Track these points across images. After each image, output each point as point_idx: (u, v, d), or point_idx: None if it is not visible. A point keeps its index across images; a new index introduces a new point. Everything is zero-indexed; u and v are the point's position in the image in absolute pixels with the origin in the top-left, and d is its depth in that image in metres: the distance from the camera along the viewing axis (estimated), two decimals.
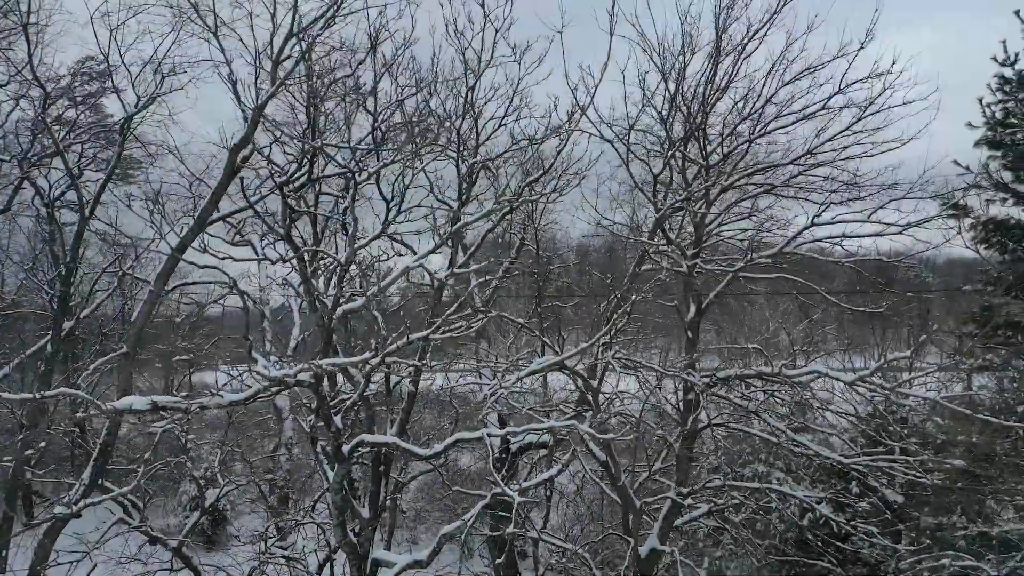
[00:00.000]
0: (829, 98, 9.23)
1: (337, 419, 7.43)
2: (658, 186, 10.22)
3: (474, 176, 12.36)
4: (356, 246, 8.35)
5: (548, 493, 14.76)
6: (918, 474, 9.07)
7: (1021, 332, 12.75)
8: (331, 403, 7.49)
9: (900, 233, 9.56)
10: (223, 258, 11.86)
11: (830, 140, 9.64)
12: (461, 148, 11.94)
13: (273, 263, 9.52)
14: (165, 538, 11.60)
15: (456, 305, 8.35)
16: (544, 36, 11.58)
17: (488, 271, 16.18)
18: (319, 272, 11.25)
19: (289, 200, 9.42)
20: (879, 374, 8.07)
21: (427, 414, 18.22)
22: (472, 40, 11.45)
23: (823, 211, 9.64)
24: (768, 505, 11.64)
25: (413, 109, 11.54)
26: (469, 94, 11.70)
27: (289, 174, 9.28)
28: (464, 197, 11.95)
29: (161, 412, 6.80)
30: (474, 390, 11.00)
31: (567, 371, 10.00)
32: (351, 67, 10.00)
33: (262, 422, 20.96)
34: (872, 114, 9.10)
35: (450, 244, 12.07)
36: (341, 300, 7.96)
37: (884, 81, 8.86)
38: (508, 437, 15.71)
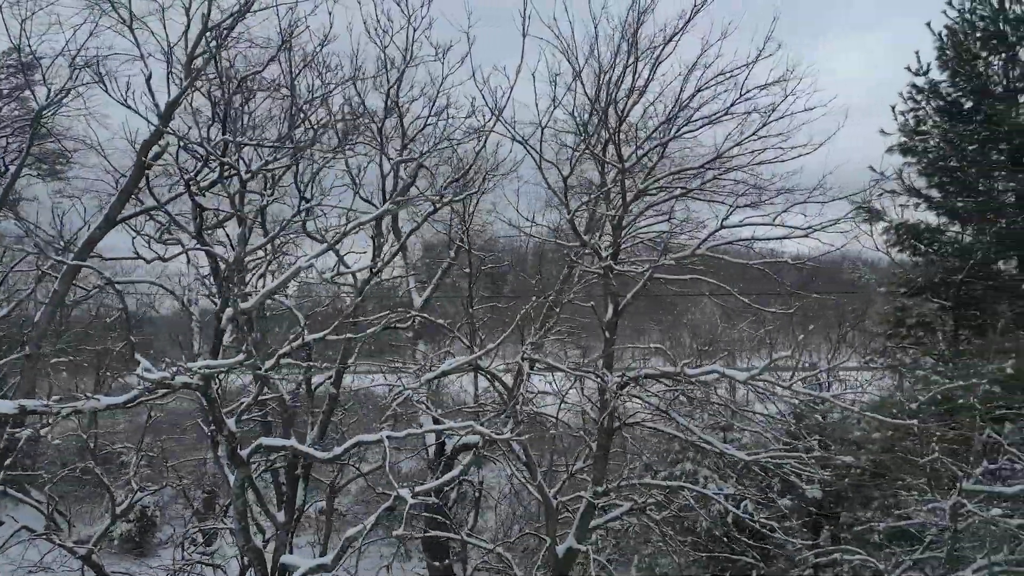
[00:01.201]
0: (732, 104, 9.45)
1: (231, 422, 7.28)
2: (569, 188, 10.28)
3: (405, 175, 12.32)
4: (261, 244, 8.17)
5: (477, 495, 14.77)
6: (812, 470, 9.33)
7: (931, 332, 13.23)
8: (223, 406, 7.33)
9: (806, 236, 9.81)
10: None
11: (738, 144, 9.84)
12: (385, 146, 11.89)
13: (148, 261, 9.27)
14: (74, 546, 11.22)
15: (353, 308, 8.24)
16: (466, 36, 11.60)
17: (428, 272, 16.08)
18: (245, 272, 11.07)
19: (196, 198, 9.19)
20: (774, 372, 8.27)
21: (370, 416, 18.03)
22: (394, 37, 11.41)
23: (730, 214, 9.84)
24: (685, 503, 11.81)
25: (331, 106, 11.45)
26: (392, 91, 11.64)
27: (194, 171, 9.06)
28: (389, 195, 11.88)
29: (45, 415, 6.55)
30: (385, 392, 10.92)
31: (482, 372, 9.99)
32: (263, 64, 9.81)
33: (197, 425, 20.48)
34: (776, 120, 9.33)
35: (374, 243, 11.99)
36: (254, 299, 7.77)
37: (786, 87, 9.09)
38: (444, 438, 15.66)
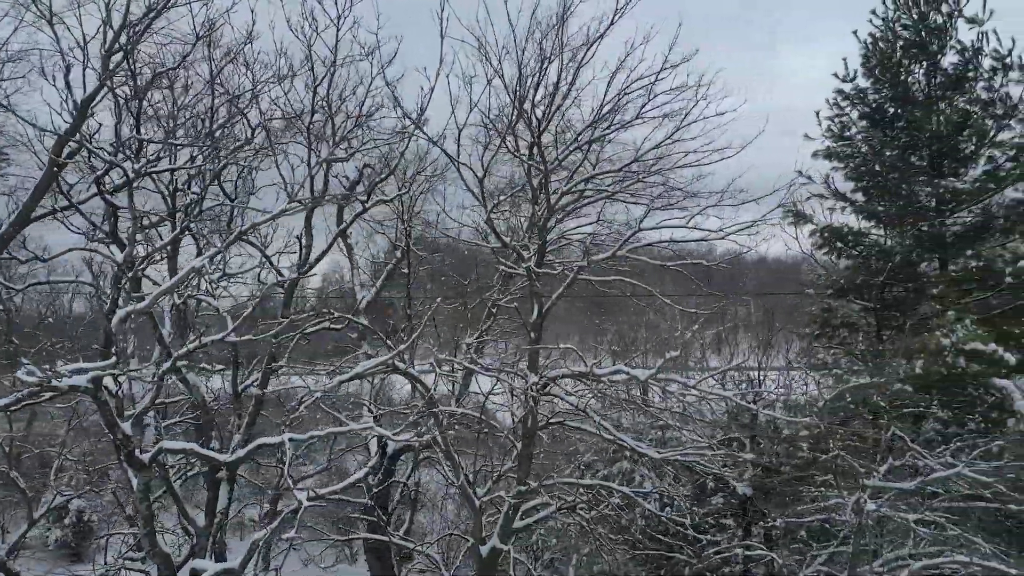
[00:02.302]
0: (642, 108, 9.58)
1: (125, 426, 7.17)
2: (494, 190, 10.35)
3: (330, 174, 12.25)
4: (162, 245, 8.06)
5: (413, 495, 14.77)
6: (715, 467, 9.53)
7: (855, 332, 13.57)
8: (117, 409, 7.21)
9: (722, 239, 10.00)
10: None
11: (656, 147, 9.99)
12: (313, 145, 11.80)
13: (23, 262, 9.09)
14: None
15: (251, 309, 8.18)
16: (394, 37, 11.58)
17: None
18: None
19: (107, 196, 9.05)
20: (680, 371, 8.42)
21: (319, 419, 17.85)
22: (321, 34, 11.33)
23: (646, 217, 10.00)
24: (615, 501, 11.94)
25: (260, 104, 11.34)
26: (319, 89, 11.56)
27: (102, 170, 8.91)
28: (320, 194, 11.83)
29: None
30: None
31: (400, 372, 9.98)
32: (177, 62, 9.68)
33: None
34: (690, 124, 9.50)
35: (299, 243, 11.91)
36: (147, 300, 7.66)
37: (697, 92, 9.25)
38: (385, 440, 15.57)
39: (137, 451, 7.38)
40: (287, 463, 7.24)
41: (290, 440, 7.46)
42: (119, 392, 7.56)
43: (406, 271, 14.77)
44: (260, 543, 7.74)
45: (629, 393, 10.46)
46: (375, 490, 12.83)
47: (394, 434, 8.69)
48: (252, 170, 10.95)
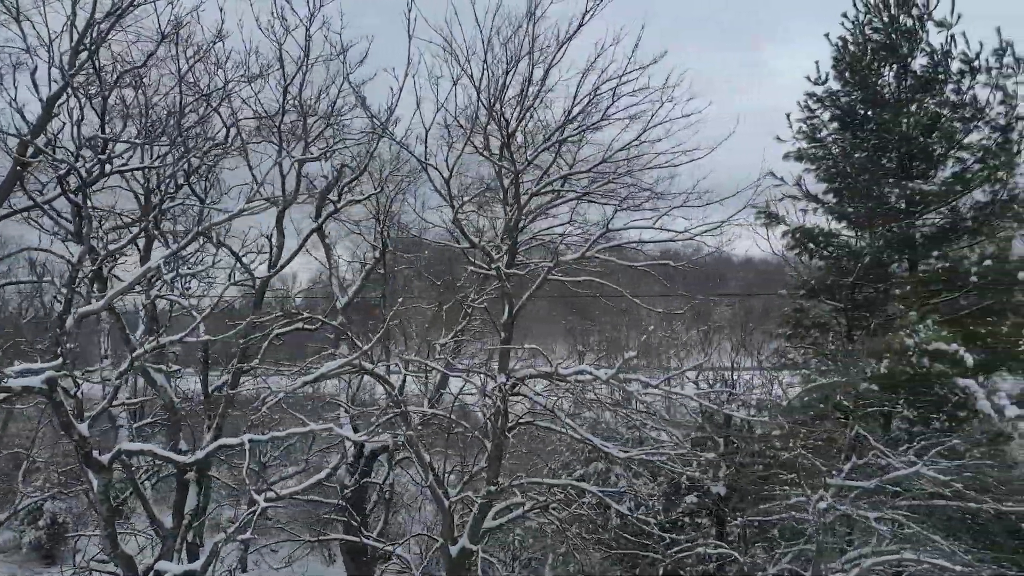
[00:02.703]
0: (606, 109, 9.63)
1: (82, 427, 7.12)
2: (462, 189, 10.36)
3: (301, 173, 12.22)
4: (122, 245, 8.01)
5: (388, 496, 14.77)
6: (677, 466, 9.60)
7: (827, 332, 13.68)
8: (73, 410, 7.16)
9: (690, 239, 10.06)
10: None
11: (624, 148, 10.03)
12: (285, 144, 11.77)
13: None
14: None
15: (209, 310, 8.16)
16: (365, 36, 11.58)
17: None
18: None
19: (70, 196, 8.98)
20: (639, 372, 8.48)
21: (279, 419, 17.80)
22: (292, 33, 11.29)
23: (613, 218, 10.05)
24: (587, 501, 11.99)
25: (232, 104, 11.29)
26: (290, 89, 11.53)
27: (67, 169, 8.84)
28: (292, 194, 11.81)
29: None
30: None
31: (367, 372, 9.97)
32: (142, 61, 9.62)
33: None
34: (655, 126, 9.55)
35: (269, 243, 11.87)
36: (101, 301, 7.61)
37: (663, 95, 9.30)
38: (363, 441, 15.57)
39: (95, 452, 7.34)
40: (247, 463, 7.23)
41: (250, 441, 7.44)
42: (77, 393, 7.51)
43: (383, 271, 14.77)
44: (221, 545, 7.71)
45: (596, 393, 10.48)
46: (347, 491, 12.80)
47: (359, 436, 8.66)
48: (213, 168, 10.87)
